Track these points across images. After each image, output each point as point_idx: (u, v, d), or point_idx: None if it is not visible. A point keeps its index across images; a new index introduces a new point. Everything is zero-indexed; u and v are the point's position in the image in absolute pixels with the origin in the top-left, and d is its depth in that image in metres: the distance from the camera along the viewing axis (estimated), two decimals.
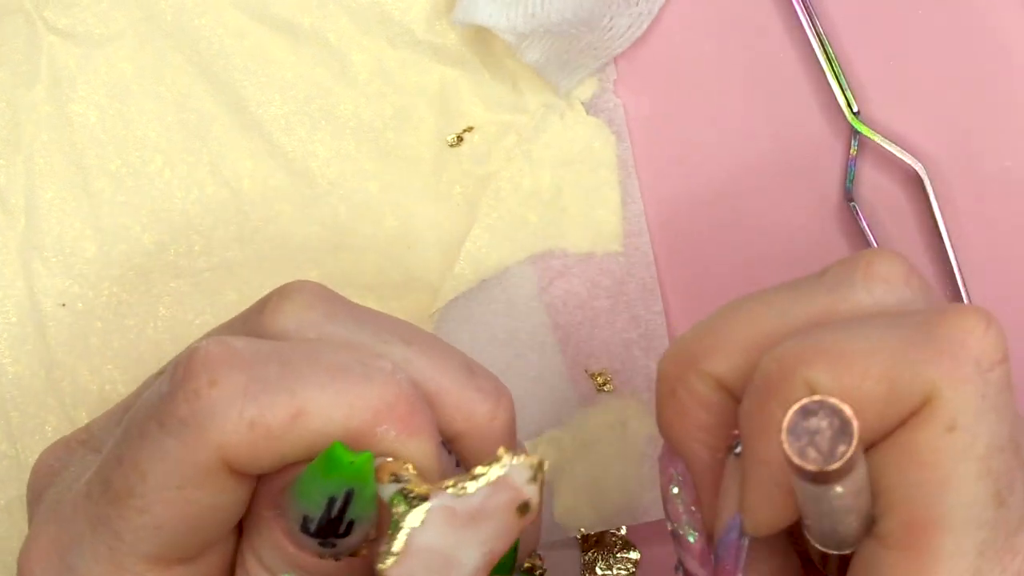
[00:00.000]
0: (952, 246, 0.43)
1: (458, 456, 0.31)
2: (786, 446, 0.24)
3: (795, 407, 0.24)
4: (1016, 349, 0.43)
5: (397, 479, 0.28)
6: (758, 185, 0.44)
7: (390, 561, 0.26)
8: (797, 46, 0.44)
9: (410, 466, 0.28)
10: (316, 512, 0.28)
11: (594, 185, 0.43)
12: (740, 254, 0.44)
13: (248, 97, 0.43)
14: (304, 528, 0.28)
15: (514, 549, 0.30)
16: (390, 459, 0.28)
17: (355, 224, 0.43)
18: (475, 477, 0.27)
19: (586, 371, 0.43)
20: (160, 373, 0.33)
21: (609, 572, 0.43)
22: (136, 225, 0.43)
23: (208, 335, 0.32)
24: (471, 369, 0.32)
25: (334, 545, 0.28)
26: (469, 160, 0.43)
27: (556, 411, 0.43)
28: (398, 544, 0.26)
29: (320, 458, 0.27)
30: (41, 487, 0.33)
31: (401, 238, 0.43)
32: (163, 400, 0.29)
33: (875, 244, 0.43)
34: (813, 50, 0.43)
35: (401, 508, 0.27)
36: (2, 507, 0.42)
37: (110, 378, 0.42)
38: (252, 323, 0.32)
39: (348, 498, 0.27)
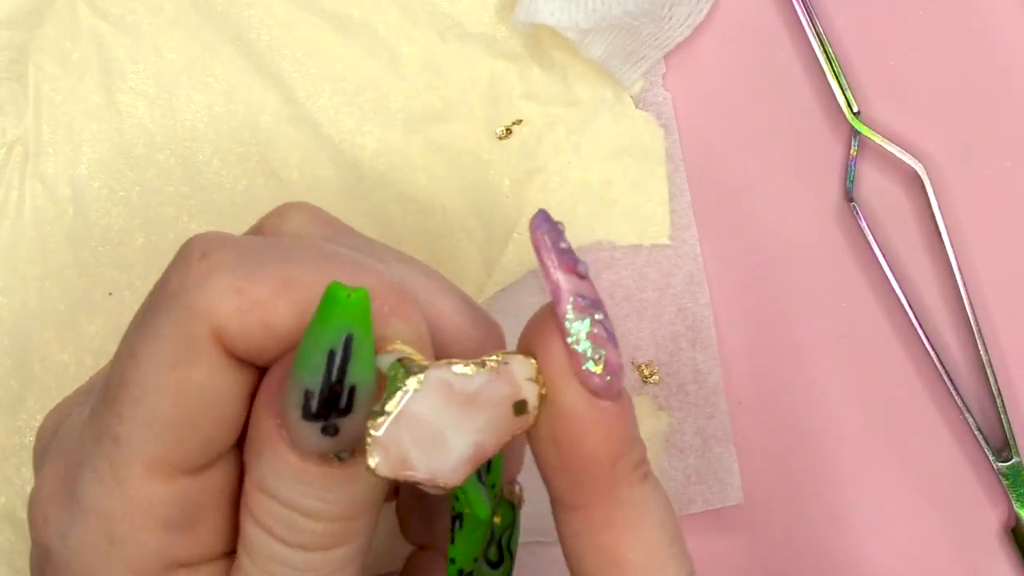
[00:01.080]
0: (952, 246, 0.43)
1: None
2: None
3: None
4: (1017, 348, 0.44)
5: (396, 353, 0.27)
6: (758, 184, 0.44)
7: (381, 420, 0.26)
8: (797, 46, 0.44)
9: (407, 348, 0.28)
10: (316, 377, 0.26)
11: (642, 178, 0.43)
12: (748, 253, 0.44)
13: (297, 88, 0.43)
14: (306, 411, 0.27)
15: (499, 461, 0.30)
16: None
17: (403, 216, 0.43)
18: (478, 363, 0.27)
19: (632, 362, 0.43)
20: None
21: None
22: (184, 215, 0.43)
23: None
24: (467, 300, 0.32)
25: (336, 431, 0.27)
26: (518, 153, 0.43)
27: None
28: (392, 404, 0.26)
29: (318, 306, 0.26)
30: (46, 443, 0.32)
31: (448, 230, 0.43)
32: (157, 284, 0.28)
33: (875, 244, 0.43)
34: (813, 50, 0.43)
35: (400, 372, 0.26)
36: None
37: None
38: (251, 231, 0.32)
39: (348, 348, 0.26)
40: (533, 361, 0.28)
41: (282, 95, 0.43)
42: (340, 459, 0.27)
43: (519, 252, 0.43)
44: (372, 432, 0.26)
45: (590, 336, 0.28)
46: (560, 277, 0.28)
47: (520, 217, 0.43)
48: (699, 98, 0.44)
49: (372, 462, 0.26)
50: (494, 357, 0.27)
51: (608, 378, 0.28)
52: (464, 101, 0.43)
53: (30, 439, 0.42)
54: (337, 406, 0.27)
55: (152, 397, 0.27)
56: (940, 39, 0.44)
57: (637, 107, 0.44)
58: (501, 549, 0.32)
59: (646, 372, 0.43)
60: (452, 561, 0.30)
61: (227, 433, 0.29)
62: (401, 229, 0.43)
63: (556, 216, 0.43)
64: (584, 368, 0.28)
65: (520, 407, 0.28)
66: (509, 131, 0.44)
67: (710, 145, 0.44)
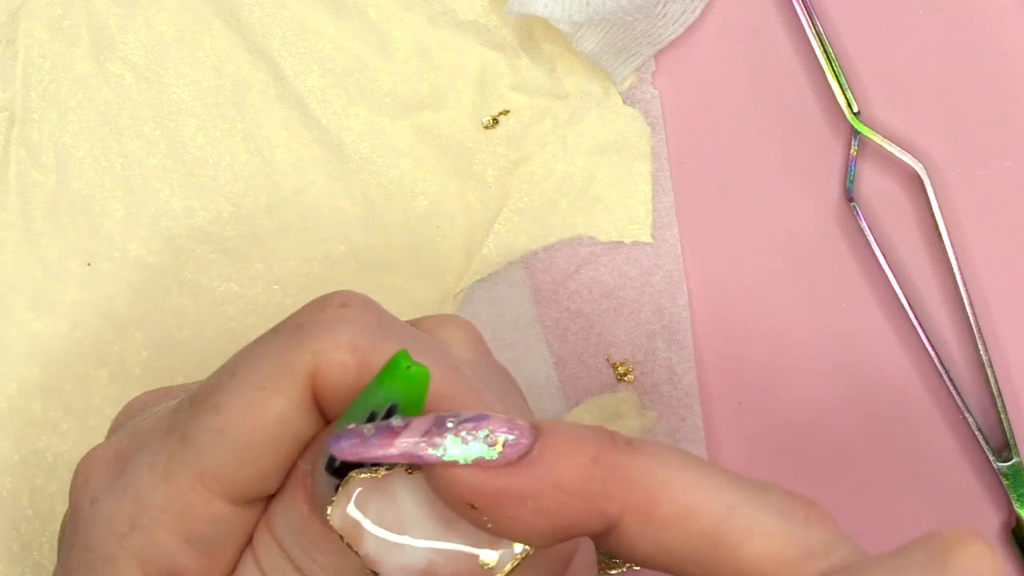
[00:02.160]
0: (952, 246, 0.43)
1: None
2: None
3: None
4: (1017, 348, 0.43)
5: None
6: (758, 184, 0.44)
7: (365, 475, 0.26)
8: (797, 46, 0.44)
9: None
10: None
11: (627, 175, 0.43)
12: (748, 253, 0.44)
13: (286, 67, 0.43)
14: (329, 463, 0.27)
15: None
16: None
17: (386, 200, 0.43)
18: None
19: (607, 360, 0.43)
20: None
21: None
22: (166, 188, 0.43)
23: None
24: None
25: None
26: (503, 143, 0.43)
27: (576, 397, 0.43)
28: (386, 468, 0.26)
29: (381, 368, 0.27)
30: (123, 420, 0.32)
31: (431, 217, 0.43)
32: (290, 315, 0.29)
33: (875, 244, 0.43)
34: (813, 50, 0.43)
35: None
36: (17, 461, 0.42)
37: (132, 339, 0.42)
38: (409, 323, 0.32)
39: (388, 415, 0.26)
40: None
41: (270, 73, 0.43)
42: None
43: (500, 242, 0.43)
44: (347, 480, 0.26)
45: (463, 439, 0.26)
46: (404, 446, 0.26)
47: (503, 207, 0.43)
48: (692, 97, 0.44)
49: (329, 508, 0.26)
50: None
51: (511, 442, 0.26)
52: (452, 88, 0.43)
53: (3, 405, 0.42)
54: (357, 467, 0.27)
55: (231, 412, 0.28)
56: (940, 39, 0.44)
57: (625, 103, 0.43)
58: None
59: (621, 370, 0.43)
60: None
61: (279, 475, 0.29)
62: (383, 213, 0.43)
63: (538, 211, 0.43)
64: (493, 459, 0.26)
65: (488, 566, 0.27)
66: (496, 121, 0.43)
67: (702, 144, 0.44)
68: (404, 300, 0.43)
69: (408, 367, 0.26)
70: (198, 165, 0.43)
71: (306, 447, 0.29)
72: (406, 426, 0.26)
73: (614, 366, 0.43)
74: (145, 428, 0.30)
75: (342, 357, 0.28)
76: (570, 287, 0.43)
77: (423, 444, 0.26)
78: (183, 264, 0.43)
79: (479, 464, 0.26)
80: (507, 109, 0.43)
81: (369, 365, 0.28)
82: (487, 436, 0.26)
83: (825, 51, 0.43)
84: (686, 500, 0.26)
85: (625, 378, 0.43)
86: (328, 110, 0.43)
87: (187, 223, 0.43)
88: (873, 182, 0.44)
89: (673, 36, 0.43)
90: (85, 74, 0.43)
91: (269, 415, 0.28)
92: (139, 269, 0.43)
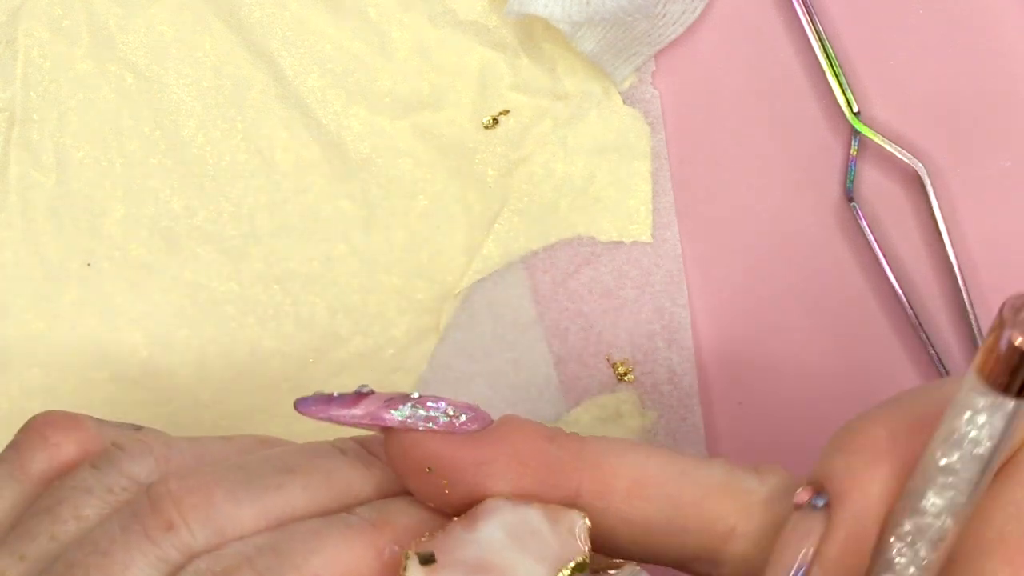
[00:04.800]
0: (952, 246, 0.43)
1: None
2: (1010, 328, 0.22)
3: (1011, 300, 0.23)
4: None
5: None
6: (758, 185, 0.44)
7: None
8: (797, 46, 0.44)
9: None
10: None
11: (627, 175, 0.43)
12: (748, 253, 0.44)
13: (286, 67, 0.43)
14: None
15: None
16: None
17: (385, 200, 0.43)
18: None
19: (608, 360, 0.43)
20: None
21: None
22: (166, 188, 0.43)
23: None
24: None
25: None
26: (503, 143, 0.43)
27: (576, 397, 0.43)
28: None
29: None
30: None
31: (430, 217, 0.43)
32: None
33: (875, 244, 0.43)
34: (813, 50, 0.43)
35: None
36: None
37: (131, 340, 0.42)
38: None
39: None
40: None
41: (270, 73, 0.43)
42: None
43: (500, 242, 0.43)
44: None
45: (426, 407, 0.28)
46: (368, 407, 0.28)
47: (503, 207, 0.43)
48: (692, 97, 0.44)
49: None
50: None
51: (470, 417, 0.28)
52: (452, 88, 0.43)
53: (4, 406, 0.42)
54: None
55: None
56: (940, 39, 0.44)
57: (625, 103, 0.43)
58: None
59: (621, 370, 0.43)
60: None
61: None
62: (383, 213, 0.43)
63: (538, 211, 0.43)
64: (453, 426, 0.28)
65: None
66: (496, 121, 0.43)
67: (701, 144, 0.44)
68: (404, 300, 0.43)
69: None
70: (198, 165, 0.43)
71: None
72: (370, 393, 0.27)
73: (614, 366, 0.43)
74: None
75: None
76: (570, 287, 0.43)
77: (386, 408, 0.27)
78: (183, 264, 0.43)
79: (440, 428, 0.27)
80: (507, 109, 0.43)
81: None
82: (446, 409, 0.28)
83: (825, 51, 0.43)
84: (640, 472, 0.28)
85: (625, 378, 0.43)
86: (328, 110, 0.43)
87: (187, 223, 0.43)
88: (873, 182, 0.44)
89: (673, 36, 0.43)
90: (85, 74, 0.43)
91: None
92: (139, 269, 0.43)
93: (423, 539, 0.27)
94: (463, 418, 0.28)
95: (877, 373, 0.44)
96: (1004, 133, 0.44)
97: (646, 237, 0.43)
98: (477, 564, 0.26)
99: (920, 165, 0.43)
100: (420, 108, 0.43)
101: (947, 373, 0.43)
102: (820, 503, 0.28)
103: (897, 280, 0.43)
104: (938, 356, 0.43)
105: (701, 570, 0.30)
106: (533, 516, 0.27)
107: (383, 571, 0.28)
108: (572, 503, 0.28)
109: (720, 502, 0.29)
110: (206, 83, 0.43)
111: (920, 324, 0.43)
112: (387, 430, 0.28)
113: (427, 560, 0.26)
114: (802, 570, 0.28)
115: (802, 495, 0.28)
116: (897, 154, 0.43)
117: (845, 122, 0.43)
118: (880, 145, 0.43)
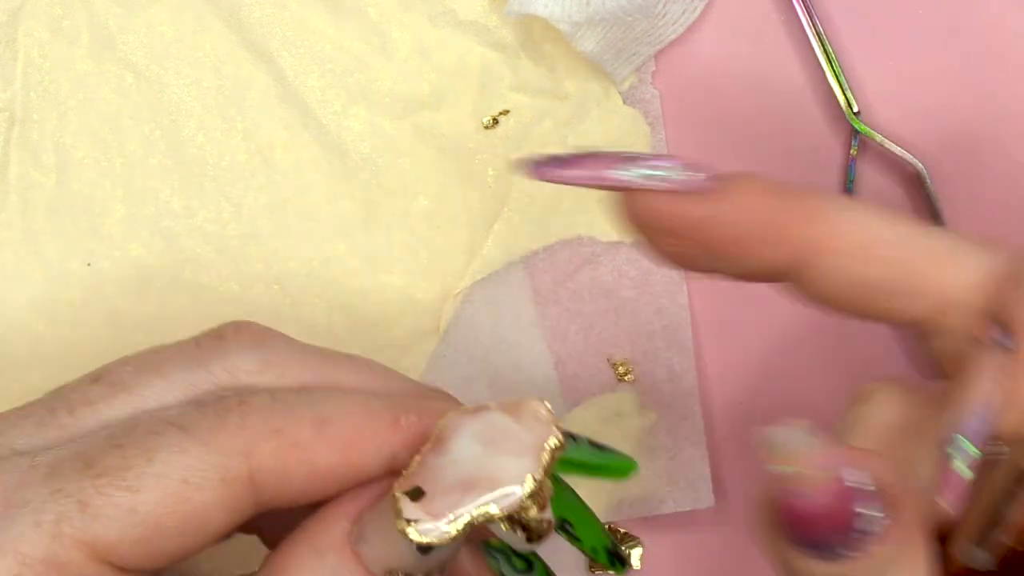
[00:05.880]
0: None
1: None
2: None
3: None
4: None
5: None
6: None
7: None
8: (797, 46, 0.44)
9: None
10: None
11: None
12: None
13: (286, 67, 0.43)
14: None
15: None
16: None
17: (386, 200, 0.43)
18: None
19: (608, 360, 0.43)
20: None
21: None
22: (166, 188, 0.43)
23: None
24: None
25: (430, 548, 0.26)
26: (503, 143, 0.43)
27: (576, 397, 0.43)
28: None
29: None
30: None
31: (431, 217, 0.43)
32: (186, 410, 0.28)
33: None
34: (813, 50, 0.43)
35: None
36: None
37: (132, 340, 0.42)
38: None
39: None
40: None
41: (270, 73, 0.43)
42: None
43: (500, 242, 0.43)
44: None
45: (654, 166, 0.28)
46: (590, 172, 0.28)
47: (503, 207, 0.43)
48: (692, 97, 0.44)
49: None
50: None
51: (698, 177, 0.28)
52: (452, 89, 0.43)
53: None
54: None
55: (149, 495, 0.26)
56: (940, 39, 0.44)
57: (625, 103, 0.43)
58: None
59: (621, 370, 0.43)
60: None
61: (181, 557, 0.27)
62: (382, 214, 0.43)
63: (539, 211, 0.43)
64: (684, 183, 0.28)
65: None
66: (496, 121, 0.43)
67: (701, 144, 0.44)
68: (404, 300, 0.43)
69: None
70: (197, 164, 0.43)
71: (221, 536, 0.28)
72: (596, 156, 0.27)
73: (614, 366, 0.43)
74: (21, 468, 0.27)
75: (275, 462, 0.27)
76: (570, 287, 0.43)
77: (611, 166, 0.27)
78: (183, 264, 0.43)
79: (670, 186, 0.27)
80: (507, 109, 0.43)
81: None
82: (678, 167, 0.28)
83: (825, 51, 0.43)
84: (870, 231, 0.27)
85: (625, 378, 0.43)
86: (328, 110, 0.43)
87: (187, 223, 0.43)
88: (873, 182, 0.44)
89: (673, 36, 0.43)
90: (85, 74, 0.43)
91: (191, 508, 0.27)
92: (139, 269, 0.43)
93: (402, 478, 0.26)
94: (694, 175, 0.28)
95: (877, 374, 0.44)
96: (1004, 133, 0.44)
97: None
98: (465, 481, 0.25)
99: (920, 165, 0.43)
100: (420, 108, 0.43)
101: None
102: (1008, 343, 0.26)
103: None
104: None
105: (915, 334, 0.29)
106: (496, 417, 0.26)
107: (398, 438, 0.28)
108: (790, 263, 0.28)
109: (946, 270, 0.27)
110: (206, 83, 0.43)
111: None
112: (618, 190, 0.28)
113: (416, 495, 0.26)
114: (987, 413, 0.26)
115: (987, 330, 0.26)
116: (897, 154, 0.43)
117: (845, 122, 0.43)
118: (880, 145, 0.43)
